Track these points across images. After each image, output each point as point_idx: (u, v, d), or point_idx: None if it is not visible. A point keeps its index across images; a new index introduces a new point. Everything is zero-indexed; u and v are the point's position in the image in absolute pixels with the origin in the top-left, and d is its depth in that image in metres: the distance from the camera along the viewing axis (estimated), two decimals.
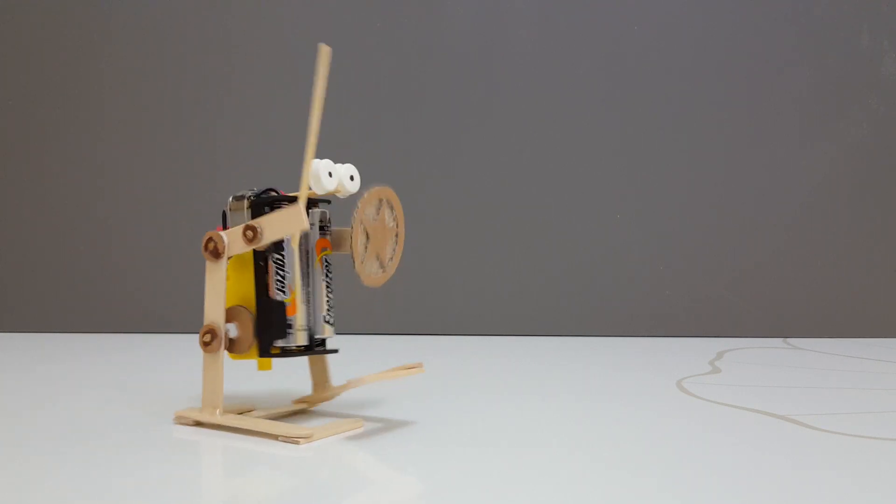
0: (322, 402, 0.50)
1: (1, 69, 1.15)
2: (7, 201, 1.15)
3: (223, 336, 0.44)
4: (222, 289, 0.44)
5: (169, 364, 0.75)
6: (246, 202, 0.45)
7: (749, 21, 0.99)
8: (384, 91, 1.08)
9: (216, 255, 0.44)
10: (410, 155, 1.07)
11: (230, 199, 0.46)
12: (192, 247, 1.10)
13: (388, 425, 0.46)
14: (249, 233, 0.43)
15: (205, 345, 0.44)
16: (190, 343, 0.96)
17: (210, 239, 0.44)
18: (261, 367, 0.45)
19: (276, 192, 0.45)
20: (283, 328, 0.44)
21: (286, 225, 0.42)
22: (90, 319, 1.12)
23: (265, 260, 0.44)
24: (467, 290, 1.05)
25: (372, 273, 0.45)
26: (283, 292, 0.44)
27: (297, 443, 0.41)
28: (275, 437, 0.42)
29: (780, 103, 0.99)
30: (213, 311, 0.44)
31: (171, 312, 1.10)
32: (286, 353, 0.44)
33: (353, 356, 0.79)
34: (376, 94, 1.08)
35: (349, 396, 0.56)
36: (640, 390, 0.60)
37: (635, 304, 1.01)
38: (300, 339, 0.44)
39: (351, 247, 0.43)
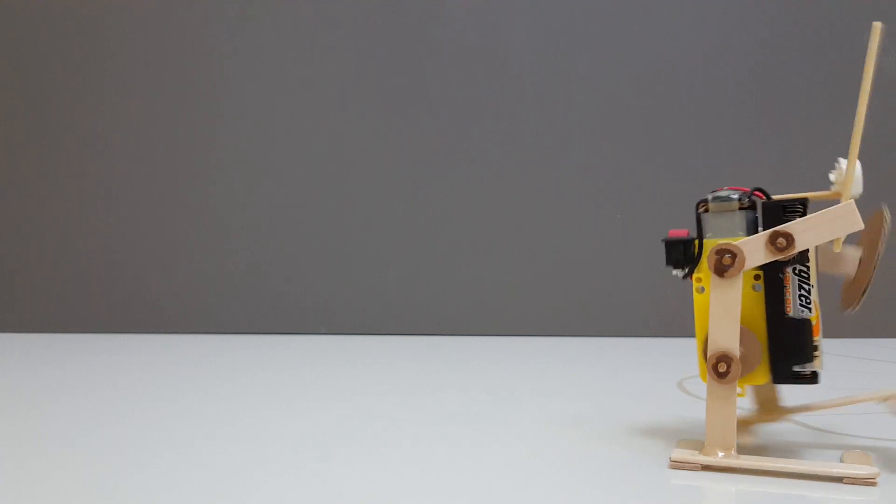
0: (766, 423, 0.45)
1: (2, 71, 1.15)
2: (8, 202, 1.15)
3: (740, 365, 0.38)
4: (737, 310, 0.37)
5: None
6: (737, 203, 0.39)
7: (749, 21, 1.00)
8: (383, 89, 1.07)
9: (724, 269, 0.38)
10: (410, 155, 1.07)
11: (708, 199, 0.39)
12: (192, 246, 1.10)
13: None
14: (782, 241, 0.37)
15: (719, 375, 0.38)
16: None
17: (727, 252, 0.38)
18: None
19: (764, 193, 0.40)
20: (810, 351, 0.38)
21: (834, 228, 0.37)
22: (90, 319, 1.12)
23: (782, 272, 0.39)
24: (466, 290, 1.05)
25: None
26: (809, 309, 0.38)
27: (872, 484, 0.36)
28: (836, 479, 0.36)
29: (781, 102, 1.00)
30: (726, 336, 0.38)
31: (172, 312, 1.09)
32: (800, 379, 0.38)
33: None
34: (375, 93, 1.07)
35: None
36: (640, 390, 0.60)
37: (635, 304, 1.01)
38: (818, 363, 0.39)
39: (865, 273, 0.39)
